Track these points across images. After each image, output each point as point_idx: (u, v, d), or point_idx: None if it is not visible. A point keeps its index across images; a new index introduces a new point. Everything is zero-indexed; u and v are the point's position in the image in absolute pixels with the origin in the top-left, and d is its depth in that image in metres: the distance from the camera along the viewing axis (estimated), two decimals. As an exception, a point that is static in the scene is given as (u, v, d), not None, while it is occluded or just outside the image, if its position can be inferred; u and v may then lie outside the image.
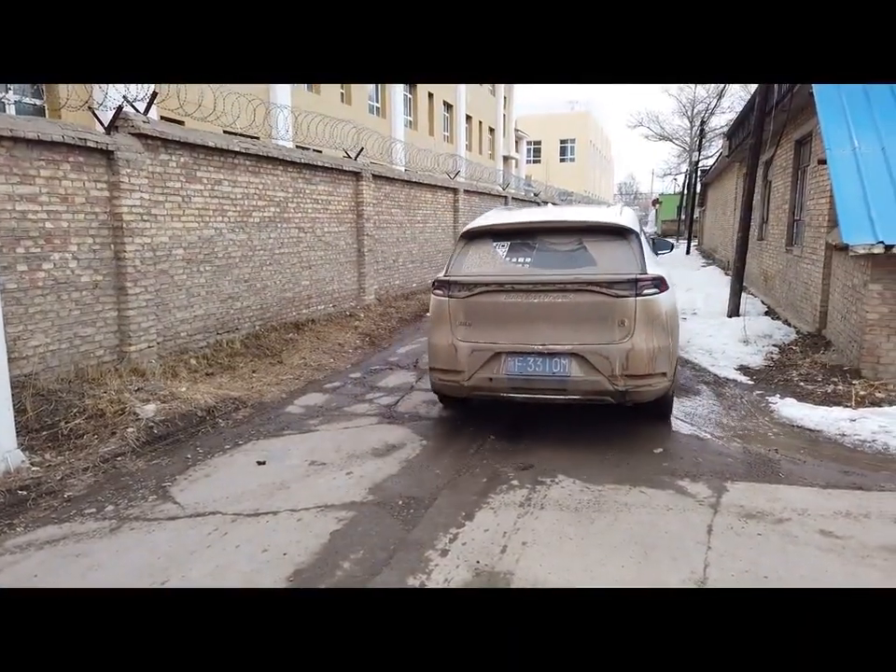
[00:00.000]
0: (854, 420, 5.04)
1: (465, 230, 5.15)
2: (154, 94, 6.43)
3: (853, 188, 6.22)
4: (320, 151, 10.93)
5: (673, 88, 46.25)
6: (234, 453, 4.76)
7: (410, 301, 11.97)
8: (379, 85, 22.79)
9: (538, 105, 50.90)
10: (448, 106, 29.52)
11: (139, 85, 6.61)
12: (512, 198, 20.45)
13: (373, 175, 11.04)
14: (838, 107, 7.04)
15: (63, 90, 9.19)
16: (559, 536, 3.39)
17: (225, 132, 8.90)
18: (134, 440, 4.79)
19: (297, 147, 11.06)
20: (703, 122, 34.43)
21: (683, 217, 36.96)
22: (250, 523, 3.63)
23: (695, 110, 44.90)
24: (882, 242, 5.66)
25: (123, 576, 3.08)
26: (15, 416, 4.36)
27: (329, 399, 6.16)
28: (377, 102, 23.05)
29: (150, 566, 3.17)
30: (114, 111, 6.09)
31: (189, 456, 4.68)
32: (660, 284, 4.53)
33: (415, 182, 13.09)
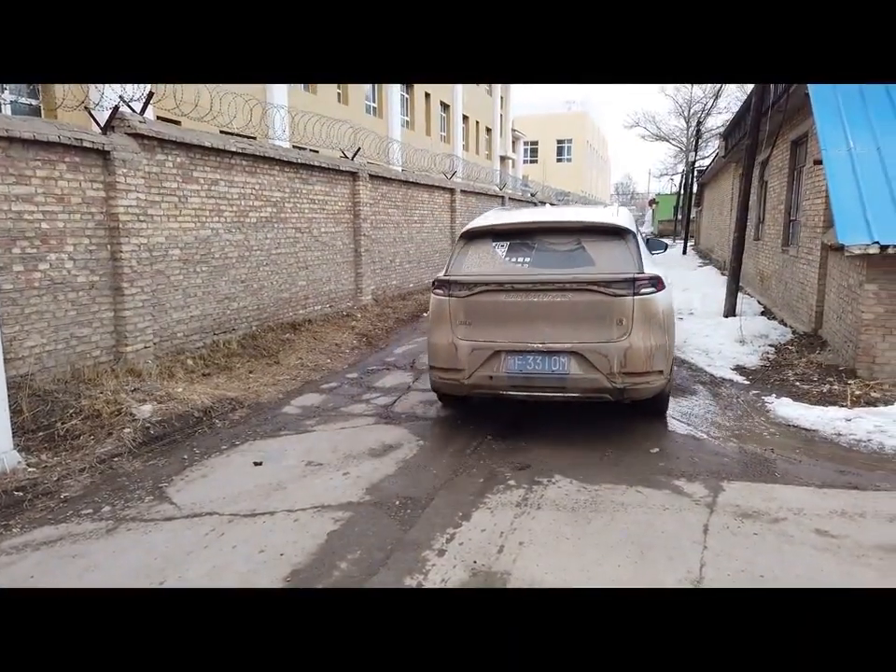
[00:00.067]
0: (850, 420, 5.06)
1: (464, 230, 5.19)
2: (150, 94, 6.42)
3: (849, 188, 6.24)
4: (317, 151, 10.92)
5: (670, 88, 46.30)
6: (231, 453, 4.76)
7: (407, 302, 11.97)
8: (376, 85, 22.78)
9: (534, 105, 50.93)
10: (445, 106, 29.52)
11: (135, 85, 6.60)
12: (509, 198, 20.47)
13: (370, 175, 11.04)
14: (834, 108, 7.07)
15: (60, 90, 9.17)
16: (556, 536, 3.40)
17: (222, 132, 8.89)
18: (131, 440, 4.78)
19: (294, 147, 11.05)
20: (699, 123, 34.46)
21: (680, 217, 37.01)
22: (247, 523, 3.63)
23: (692, 110, 44.95)
24: (877, 242, 5.68)
25: (120, 577, 3.08)
26: (11, 417, 4.35)
27: (326, 399, 6.16)
28: (374, 102, 23.04)
29: (147, 566, 3.17)
30: (110, 111, 6.08)
31: (185, 457, 4.67)
32: (657, 283, 4.60)
33: (412, 182, 13.10)
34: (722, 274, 14.96)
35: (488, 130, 36.19)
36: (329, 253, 9.95)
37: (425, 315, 11.14)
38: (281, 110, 11.07)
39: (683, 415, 5.44)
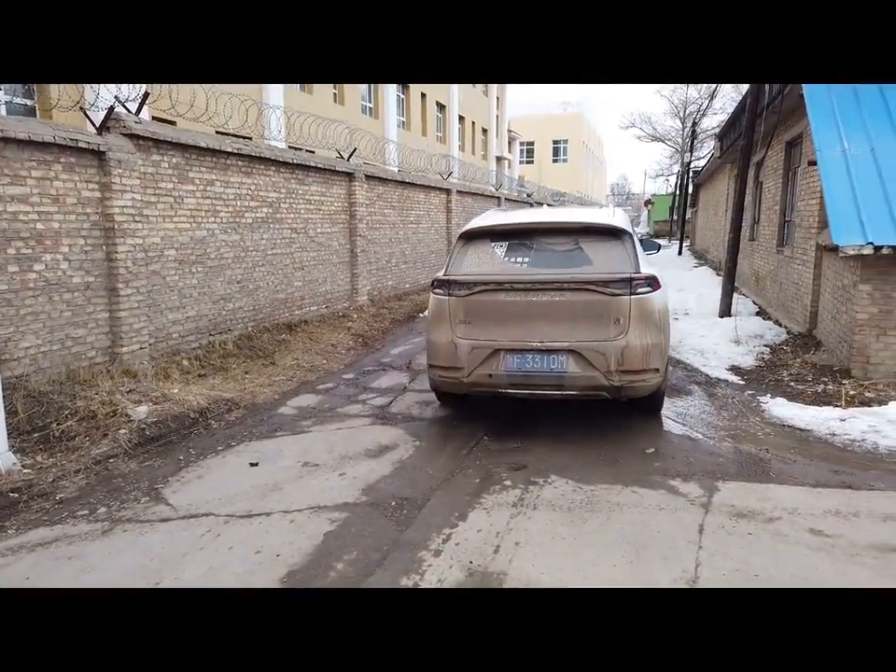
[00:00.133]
0: (844, 420, 5.08)
1: (464, 230, 5.25)
2: (146, 95, 6.41)
3: (843, 189, 6.27)
4: (313, 152, 10.92)
5: (665, 89, 46.48)
6: (227, 454, 4.75)
7: (403, 302, 11.97)
8: (372, 85, 22.78)
9: (531, 105, 51.31)
10: (441, 107, 29.54)
11: (131, 85, 6.59)
12: (505, 198, 20.49)
13: (366, 175, 11.05)
14: (828, 109, 7.10)
15: (55, 90, 9.14)
16: (552, 536, 3.41)
17: (217, 132, 8.89)
18: (126, 441, 4.77)
19: (289, 147, 11.04)
20: (695, 123, 34.56)
21: (675, 217, 37.11)
22: (243, 524, 3.63)
23: (687, 111, 45.15)
24: (871, 243, 5.70)
25: (116, 578, 3.07)
26: (6, 418, 4.35)
27: (322, 400, 6.16)
28: (370, 102, 23.04)
29: (143, 567, 3.17)
30: (105, 111, 6.07)
31: (181, 458, 4.67)
32: (653, 283, 4.68)
33: (408, 183, 13.10)
34: (718, 275, 15.00)
35: (484, 130, 36.22)
36: (325, 253, 9.95)
37: (421, 315, 11.15)
38: (277, 111, 11.07)
39: (679, 415, 5.45)
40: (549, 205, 24.73)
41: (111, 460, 4.55)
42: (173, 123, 8.47)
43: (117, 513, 3.78)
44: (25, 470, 4.26)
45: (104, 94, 6.21)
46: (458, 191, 15.98)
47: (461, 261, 5.04)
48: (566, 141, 54.34)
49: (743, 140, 9.57)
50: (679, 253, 26.94)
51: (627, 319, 4.56)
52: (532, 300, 4.68)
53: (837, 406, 5.45)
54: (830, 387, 5.94)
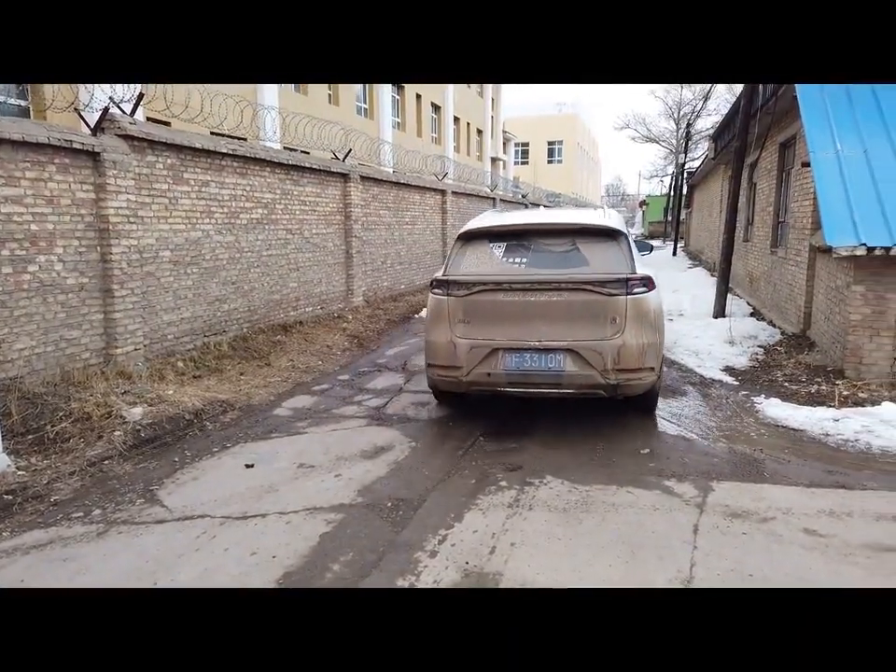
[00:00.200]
0: (837, 420, 5.11)
1: (462, 231, 5.31)
2: (141, 95, 6.39)
3: (836, 190, 6.30)
4: (308, 153, 10.91)
5: (659, 90, 46.67)
6: (222, 455, 4.75)
7: (398, 303, 11.97)
8: (367, 86, 22.78)
9: (525, 106, 51.05)
10: (436, 108, 29.54)
11: (125, 86, 6.57)
12: (500, 199, 20.52)
13: (361, 176, 11.04)
14: (821, 110, 7.13)
15: (49, 91, 9.12)
16: (547, 536, 3.42)
17: (212, 133, 8.88)
18: (121, 443, 4.76)
19: (285, 148, 11.04)
20: (689, 125, 34.70)
21: (670, 218, 37.21)
22: (239, 526, 3.62)
23: (681, 112, 45.29)
24: (864, 244, 5.74)
25: (111, 580, 3.07)
26: (0, 420, 4.33)
27: (318, 401, 6.16)
28: (365, 103, 23.03)
29: (138, 569, 3.16)
30: (100, 112, 6.05)
31: (176, 460, 4.66)
32: (648, 283, 4.76)
33: (403, 184, 13.10)
34: (712, 276, 15.06)
35: (479, 131, 36.24)
36: (320, 254, 9.95)
37: (416, 316, 11.16)
38: (272, 111, 11.06)
39: (673, 416, 5.47)
40: (545, 206, 24.78)
41: (106, 462, 4.54)
42: (167, 124, 8.47)
43: (112, 515, 3.77)
44: (20, 472, 4.24)
45: (98, 95, 6.19)
46: (454, 192, 15.99)
47: (460, 262, 5.09)
48: (560, 142, 54.39)
49: (737, 141, 9.62)
50: (674, 254, 27.04)
51: (623, 319, 4.63)
52: (530, 299, 4.74)
53: (831, 406, 5.48)
54: (823, 388, 5.97)
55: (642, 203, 55.54)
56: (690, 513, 3.66)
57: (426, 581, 3.02)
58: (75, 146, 5.63)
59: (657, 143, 49.61)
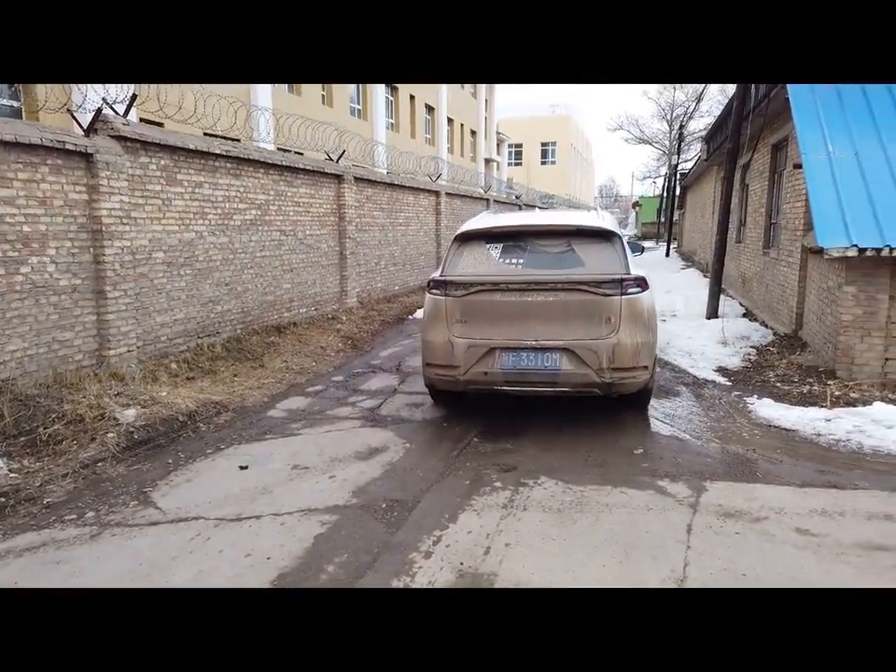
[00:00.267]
0: (829, 420, 5.14)
1: (459, 232, 5.36)
2: (134, 96, 6.38)
3: (828, 192, 6.34)
4: (301, 154, 10.90)
5: (652, 92, 46.90)
6: (216, 457, 4.74)
7: (392, 304, 11.97)
8: (360, 87, 22.78)
9: (519, 108, 51.12)
10: (430, 109, 29.57)
11: (118, 87, 6.55)
12: (494, 201, 20.53)
13: (355, 177, 11.04)
14: (813, 112, 7.18)
15: (42, 91, 9.09)
16: (542, 537, 3.42)
17: (206, 134, 8.86)
18: (115, 445, 4.75)
19: (278, 149, 11.03)
20: (682, 126, 34.84)
21: (663, 219, 37.32)
22: (233, 527, 3.62)
23: (674, 114, 45.50)
24: (856, 245, 5.77)
25: (105, 582, 3.06)
26: (-8, 422, 4.31)
27: (312, 402, 6.15)
28: (358, 104, 23.02)
29: (132, 572, 3.15)
30: (93, 113, 6.03)
31: (170, 461, 4.65)
32: (642, 283, 4.84)
33: (397, 185, 13.10)
34: (705, 276, 15.11)
35: (473, 132, 36.28)
36: (313, 256, 9.94)
37: (410, 317, 11.16)
38: (265, 112, 11.05)
39: (667, 416, 5.49)
40: (540, 208, 24.85)
41: (99, 464, 4.52)
42: (161, 125, 8.44)
43: (105, 517, 3.76)
44: (12, 475, 4.22)
45: (91, 96, 6.17)
46: (447, 193, 16.00)
47: (457, 262, 5.15)
48: (554, 143, 54.52)
49: (729, 143, 9.66)
50: (667, 255, 27.11)
51: (618, 318, 4.72)
52: (527, 300, 4.82)
53: (823, 406, 5.51)
54: (815, 388, 6.01)
55: (635, 205, 55.67)
56: (683, 513, 3.68)
57: (420, 581, 3.02)
58: (67, 147, 5.61)
59: (650, 144, 49.84)
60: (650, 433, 5.12)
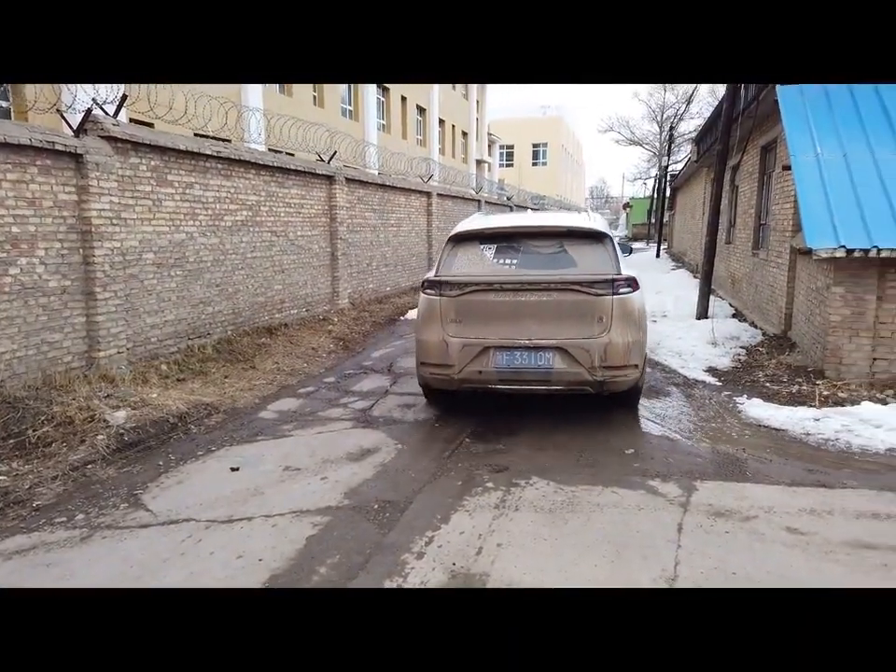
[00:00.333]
0: (818, 419, 5.18)
1: (453, 233, 5.42)
2: (124, 97, 6.34)
3: (816, 193, 6.39)
4: (293, 155, 10.88)
5: (643, 93, 47.11)
6: (207, 459, 4.72)
7: (384, 305, 11.96)
8: (351, 88, 22.75)
9: (510, 109, 51.20)
10: (421, 110, 29.57)
11: (108, 87, 6.52)
12: (486, 201, 20.56)
13: (347, 178, 11.03)
14: (802, 115, 7.23)
15: (31, 92, 9.03)
16: (533, 537, 3.43)
17: (196, 135, 8.83)
18: (105, 447, 4.72)
19: (269, 150, 11.00)
20: (672, 128, 34.98)
21: (653, 220, 37.49)
22: (224, 529, 3.61)
23: (664, 115, 45.74)
24: (844, 246, 5.82)
25: (95, 585, 3.04)
26: (-19, 424, 4.28)
27: (303, 403, 6.14)
28: (350, 105, 23.00)
29: (123, 574, 3.14)
30: (83, 114, 5.99)
31: (160, 463, 4.63)
32: (632, 283, 4.93)
33: (389, 186, 13.10)
34: (695, 277, 15.19)
35: (464, 133, 36.31)
36: (305, 257, 9.92)
37: (402, 318, 11.15)
38: (256, 113, 11.02)
39: (657, 416, 5.52)
40: (532, 209, 24.90)
41: (89, 466, 4.49)
42: (151, 126, 8.40)
43: (95, 520, 3.74)
44: (1, 477, 4.19)
45: (81, 96, 6.14)
46: (439, 194, 16.01)
47: (451, 263, 5.21)
48: (545, 144, 54.62)
49: (719, 145, 9.71)
50: (657, 256, 27.23)
51: (609, 318, 4.80)
52: (520, 299, 4.89)
53: (811, 406, 5.55)
54: (804, 388, 6.05)
55: (626, 206, 55.92)
56: (674, 513, 3.70)
57: (413, 582, 3.02)
58: (57, 147, 5.58)
59: (641, 146, 50.08)
60: (641, 433, 5.14)
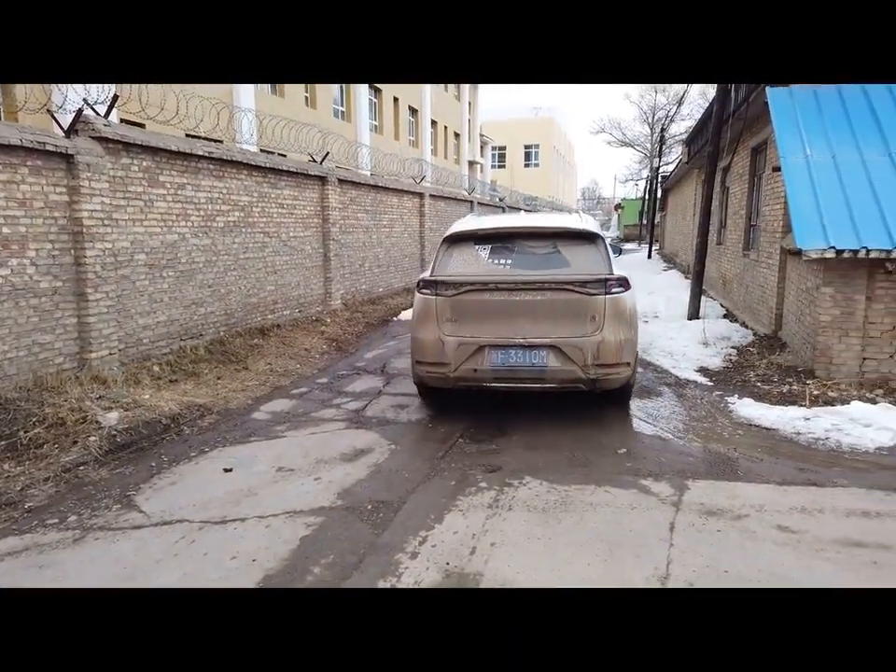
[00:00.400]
0: (808, 419, 5.22)
1: (448, 234, 5.48)
2: (115, 97, 6.32)
3: (806, 194, 6.44)
4: (285, 155, 10.87)
5: (634, 95, 47.28)
6: (200, 460, 4.71)
7: (376, 306, 11.96)
8: (344, 89, 22.74)
9: (502, 110, 51.29)
10: (413, 111, 29.58)
11: (100, 87, 6.50)
12: (478, 203, 20.58)
13: (339, 179, 11.02)
14: (791, 117, 7.29)
15: (21, 92, 8.96)
16: (527, 536, 3.45)
17: (188, 135, 8.80)
18: (97, 448, 4.70)
19: (261, 150, 10.98)
20: (663, 129, 35.14)
21: (645, 222, 37.62)
22: (218, 530, 3.60)
23: (656, 117, 45.92)
24: (833, 247, 5.87)
25: (88, 586, 3.03)
26: (-28, 426, 4.25)
27: (296, 404, 6.13)
28: (342, 106, 22.98)
29: (116, 575, 3.13)
30: (74, 114, 5.97)
31: (153, 465, 4.61)
32: (624, 283, 5.01)
33: (381, 186, 13.10)
34: (686, 278, 15.26)
35: (456, 134, 36.35)
36: (297, 257, 9.90)
37: (395, 319, 11.16)
38: (248, 114, 11.00)
39: (650, 416, 5.55)
40: (524, 210, 24.96)
41: (81, 468, 4.47)
42: (142, 126, 8.37)
43: (88, 521, 3.73)
44: (-8, 479, 4.17)
45: (72, 97, 6.12)
46: (431, 195, 16.02)
47: (446, 263, 5.27)
48: (537, 146, 54.74)
49: (710, 146, 9.77)
50: (649, 256, 27.34)
51: (602, 317, 4.88)
52: (515, 299, 4.96)
53: (802, 406, 5.60)
54: (795, 387, 6.10)
55: (617, 207, 56.11)
56: (666, 512, 3.72)
57: (406, 582, 3.03)
58: (48, 148, 5.55)
59: (632, 147, 50.22)
60: (633, 433, 5.16)
